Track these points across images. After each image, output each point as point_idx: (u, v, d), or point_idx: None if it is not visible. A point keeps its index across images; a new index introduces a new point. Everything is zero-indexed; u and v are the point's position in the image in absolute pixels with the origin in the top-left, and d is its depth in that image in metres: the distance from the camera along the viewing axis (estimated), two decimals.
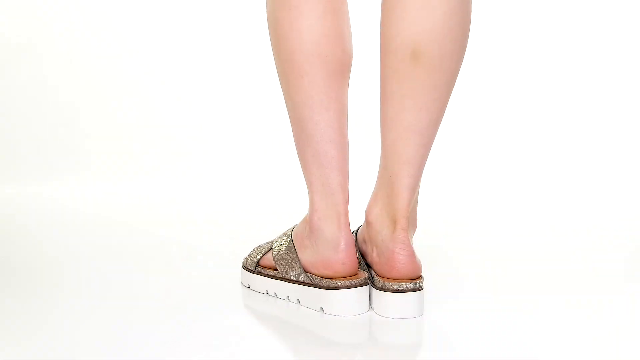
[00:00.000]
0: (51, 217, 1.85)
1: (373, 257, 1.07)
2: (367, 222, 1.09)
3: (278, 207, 1.91)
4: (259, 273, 1.16)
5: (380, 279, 1.03)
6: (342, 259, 1.04)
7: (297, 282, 1.09)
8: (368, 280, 1.05)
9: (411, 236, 1.09)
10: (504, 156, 2.27)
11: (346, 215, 1.06)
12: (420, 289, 1.02)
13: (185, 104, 2.37)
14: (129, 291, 1.17)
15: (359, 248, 1.14)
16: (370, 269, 1.08)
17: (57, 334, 0.97)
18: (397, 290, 1.01)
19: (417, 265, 1.03)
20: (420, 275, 1.05)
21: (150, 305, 1.11)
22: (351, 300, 1.03)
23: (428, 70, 1.00)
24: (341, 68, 1.05)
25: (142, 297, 1.15)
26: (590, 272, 1.30)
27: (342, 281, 1.03)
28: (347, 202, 1.07)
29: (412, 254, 1.03)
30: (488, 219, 1.85)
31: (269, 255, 1.15)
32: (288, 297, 1.11)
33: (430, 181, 2.18)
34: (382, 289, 1.02)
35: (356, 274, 1.05)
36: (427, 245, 1.48)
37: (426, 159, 1.06)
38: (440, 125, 1.05)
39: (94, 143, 2.39)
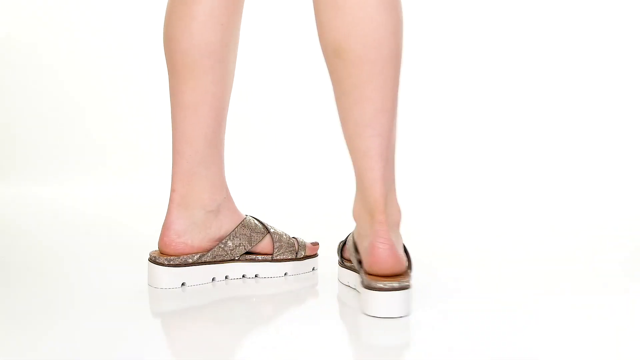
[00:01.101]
0: (50, 218, 1.85)
1: (362, 254, 1.07)
2: (354, 221, 1.11)
3: (280, 208, 1.91)
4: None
5: (366, 277, 1.03)
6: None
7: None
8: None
9: (394, 229, 1.08)
10: (504, 156, 2.27)
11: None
12: (405, 287, 1.01)
13: None
14: (128, 291, 1.17)
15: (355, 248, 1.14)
16: (360, 267, 1.08)
17: (56, 334, 0.97)
18: (382, 289, 1.00)
19: (398, 259, 1.02)
20: (407, 272, 1.04)
21: (149, 306, 1.12)
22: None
23: (353, 64, 1.02)
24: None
25: (141, 298, 1.15)
26: (590, 272, 1.30)
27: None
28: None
29: (392, 247, 1.02)
30: (487, 219, 1.85)
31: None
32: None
33: (431, 182, 2.19)
34: (367, 287, 1.01)
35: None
36: (427, 245, 1.48)
37: (388, 149, 1.06)
38: (398, 112, 1.06)
39: (94, 143, 2.39)
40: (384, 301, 1.00)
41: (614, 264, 1.35)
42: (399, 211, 1.10)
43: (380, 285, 1.00)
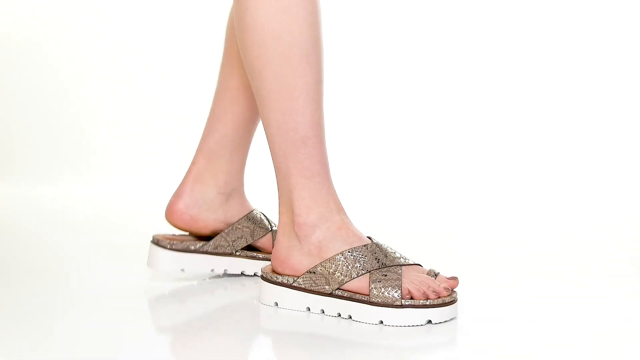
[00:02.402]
0: (49, 218, 1.85)
1: None
2: None
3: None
4: None
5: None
6: None
7: None
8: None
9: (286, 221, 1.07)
10: (504, 156, 2.27)
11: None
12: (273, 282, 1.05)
13: (184, 105, 2.37)
14: (127, 291, 1.17)
15: None
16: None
17: (56, 334, 0.97)
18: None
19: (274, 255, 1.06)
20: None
21: (147, 306, 1.11)
22: None
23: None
24: None
25: (141, 298, 1.14)
26: (591, 272, 1.30)
27: None
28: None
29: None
30: (487, 220, 1.85)
31: None
32: None
33: (433, 182, 2.18)
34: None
35: None
36: (434, 246, 1.48)
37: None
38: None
39: (92, 143, 2.39)
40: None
41: (615, 265, 1.35)
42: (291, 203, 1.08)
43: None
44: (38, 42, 2.43)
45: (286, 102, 1.02)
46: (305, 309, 1.03)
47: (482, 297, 1.13)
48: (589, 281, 1.24)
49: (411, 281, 0.99)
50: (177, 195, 1.21)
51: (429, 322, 0.98)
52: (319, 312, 1.03)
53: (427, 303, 0.97)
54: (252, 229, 1.22)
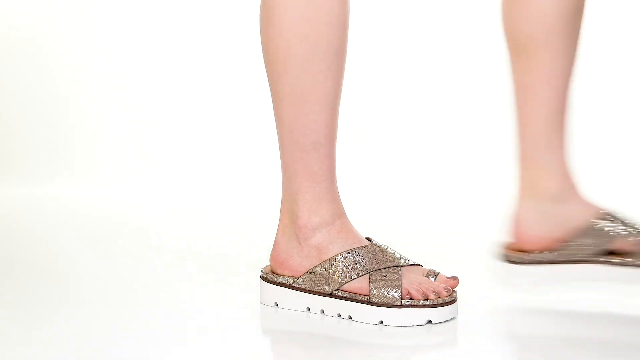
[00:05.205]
0: (48, 218, 1.85)
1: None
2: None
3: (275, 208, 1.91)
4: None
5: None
6: None
7: None
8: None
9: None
10: (504, 157, 2.26)
11: None
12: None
13: (181, 105, 2.37)
14: (126, 292, 1.16)
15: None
16: None
17: (56, 334, 0.97)
18: None
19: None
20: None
21: (147, 306, 1.11)
22: None
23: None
24: None
25: (139, 298, 1.14)
26: (591, 272, 1.30)
27: None
28: None
29: None
30: (487, 219, 1.84)
31: None
32: None
33: (432, 182, 2.18)
34: None
35: None
36: (434, 246, 1.48)
37: None
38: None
39: (90, 144, 2.39)
40: None
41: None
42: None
43: None
44: (37, 42, 2.43)
45: (302, 106, 1.01)
46: (305, 309, 1.03)
47: (482, 297, 1.12)
48: (590, 282, 1.24)
49: (410, 282, 0.99)
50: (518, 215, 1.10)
51: (429, 322, 0.98)
52: (319, 312, 1.03)
53: (427, 303, 0.97)
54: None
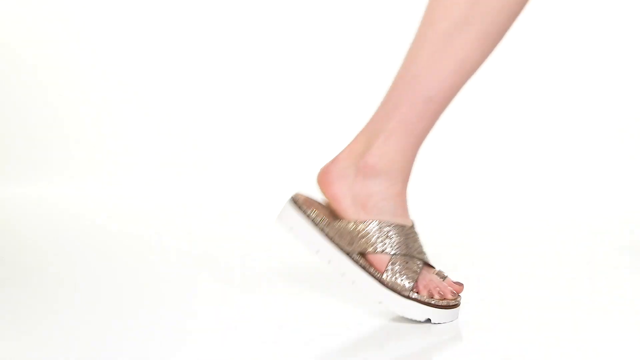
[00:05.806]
0: (48, 218, 1.85)
1: None
2: None
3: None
4: None
5: None
6: None
7: None
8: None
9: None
10: (505, 158, 2.27)
11: None
12: None
13: (181, 105, 2.37)
14: (125, 292, 1.17)
15: None
16: None
17: (56, 334, 0.97)
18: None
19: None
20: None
21: (146, 306, 1.11)
22: None
23: None
24: None
25: (138, 298, 1.14)
26: (591, 272, 1.30)
27: None
28: None
29: None
30: (487, 220, 1.84)
31: None
32: None
33: (434, 184, 2.18)
34: None
35: None
36: (434, 246, 1.48)
37: None
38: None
39: (89, 144, 2.39)
40: None
41: (616, 265, 1.35)
42: None
43: None
44: (36, 42, 2.43)
45: (437, 62, 0.97)
46: (315, 252, 1.00)
47: (482, 298, 1.13)
48: (590, 282, 1.24)
49: (423, 277, 0.99)
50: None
51: (428, 320, 0.98)
52: (326, 261, 0.99)
53: (432, 302, 0.97)
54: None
